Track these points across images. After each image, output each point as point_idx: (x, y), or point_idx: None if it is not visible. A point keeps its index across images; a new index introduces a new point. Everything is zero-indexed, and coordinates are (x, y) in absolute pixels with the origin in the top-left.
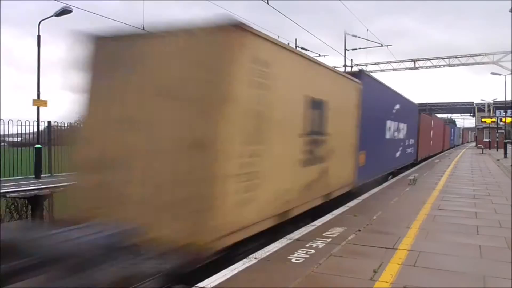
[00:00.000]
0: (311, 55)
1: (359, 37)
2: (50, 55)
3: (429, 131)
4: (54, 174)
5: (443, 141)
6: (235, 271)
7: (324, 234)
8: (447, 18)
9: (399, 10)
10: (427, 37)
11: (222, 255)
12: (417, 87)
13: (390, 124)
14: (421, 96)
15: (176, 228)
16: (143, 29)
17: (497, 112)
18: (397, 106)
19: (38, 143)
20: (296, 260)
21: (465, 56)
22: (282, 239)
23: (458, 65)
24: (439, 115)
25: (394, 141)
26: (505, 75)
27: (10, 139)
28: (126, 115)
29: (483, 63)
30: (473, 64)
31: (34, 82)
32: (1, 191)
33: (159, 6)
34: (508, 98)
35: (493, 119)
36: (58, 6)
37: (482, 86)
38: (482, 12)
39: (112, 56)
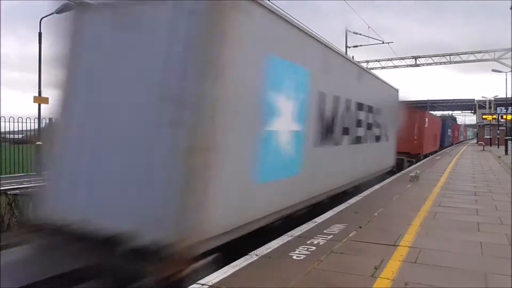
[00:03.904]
0: None
1: (360, 34)
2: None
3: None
4: None
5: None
6: (236, 268)
7: (325, 231)
8: (423, 14)
9: (377, 7)
10: (407, 34)
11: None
12: (418, 85)
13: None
14: (422, 93)
15: None
16: None
17: (498, 109)
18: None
19: (39, 140)
20: (297, 257)
21: (466, 53)
22: (283, 236)
23: (459, 62)
24: (440, 112)
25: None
26: (506, 72)
27: (11, 136)
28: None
29: (484, 60)
30: (474, 61)
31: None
32: (2, 188)
33: None
34: (509, 95)
35: (494, 116)
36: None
37: (483, 83)
38: (458, 10)
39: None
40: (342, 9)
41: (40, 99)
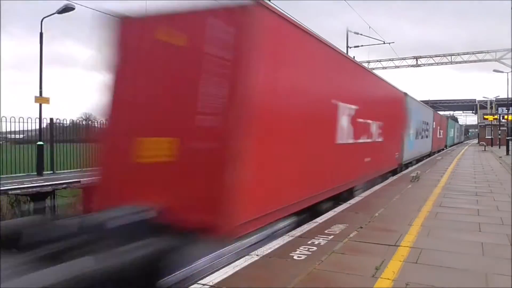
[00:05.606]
0: None
1: (361, 34)
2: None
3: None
4: (56, 171)
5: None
6: (237, 268)
7: (326, 231)
8: (417, 15)
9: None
10: (406, 35)
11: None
12: (420, 85)
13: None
14: (424, 93)
15: None
16: None
17: (500, 109)
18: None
19: (40, 140)
20: (298, 257)
21: (468, 53)
22: (284, 236)
23: (460, 62)
24: (441, 112)
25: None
26: (507, 73)
27: (12, 136)
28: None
29: (485, 60)
30: (475, 61)
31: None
32: (3, 188)
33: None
34: (510, 95)
35: (495, 117)
36: None
37: (484, 84)
38: (451, 11)
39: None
40: (342, 9)
41: (41, 99)
